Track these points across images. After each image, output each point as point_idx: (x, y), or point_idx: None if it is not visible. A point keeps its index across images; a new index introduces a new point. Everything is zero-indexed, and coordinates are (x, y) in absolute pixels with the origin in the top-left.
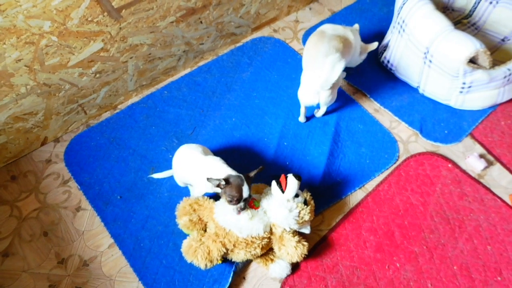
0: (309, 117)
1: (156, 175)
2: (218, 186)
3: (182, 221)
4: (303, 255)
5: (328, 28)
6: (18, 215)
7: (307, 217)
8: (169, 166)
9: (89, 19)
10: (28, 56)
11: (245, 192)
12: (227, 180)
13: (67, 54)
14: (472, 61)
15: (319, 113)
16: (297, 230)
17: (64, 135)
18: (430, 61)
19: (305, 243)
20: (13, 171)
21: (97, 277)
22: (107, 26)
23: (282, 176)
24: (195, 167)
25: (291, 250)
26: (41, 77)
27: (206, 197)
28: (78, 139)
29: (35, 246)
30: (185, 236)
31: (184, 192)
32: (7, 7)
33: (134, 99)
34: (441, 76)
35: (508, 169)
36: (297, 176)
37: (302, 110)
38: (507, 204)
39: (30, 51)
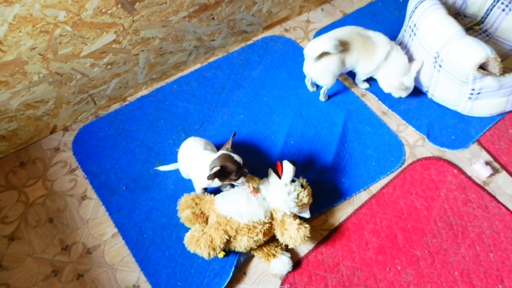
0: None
1: (162, 168)
2: (216, 176)
3: (184, 214)
4: (306, 238)
5: (359, 29)
6: (25, 200)
7: (305, 200)
8: (174, 159)
9: (103, 10)
10: (42, 45)
11: (238, 158)
12: (221, 166)
13: (80, 44)
14: (482, 67)
15: (320, 96)
16: (297, 214)
17: (73, 124)
18: (440, 65)
19: (307, 225)
20: (22, 157)
21: (100, 265)
22: (120, 18)
23: (278, 163)
24: (193, 161)
25: (293, 233)
26: (54, 66)
27: (207, 193)
28: (87, 129)
29: (40, 231)
30: (188, 229)
31: (189, 185)
32: None
33: (144, 92)
34: (450, 81)
35: None
36: (292, 162)
37: (306, 79)
38: None
39: (44, 40)
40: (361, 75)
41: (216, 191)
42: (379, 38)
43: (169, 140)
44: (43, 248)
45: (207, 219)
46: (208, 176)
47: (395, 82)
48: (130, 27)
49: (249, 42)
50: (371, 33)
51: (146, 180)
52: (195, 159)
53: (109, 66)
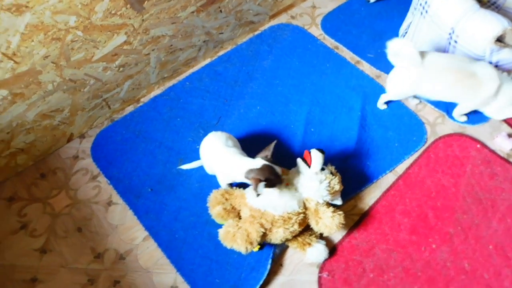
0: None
1: (185, 166)
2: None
3: (215, 211)
4: (340, 225)
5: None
6: (51, 212)
7: (337, 187)
8: (196, 157)
9: (113, 12)
10: (55, 52)
11: (279, 170)
12: (267, 179)
13: (92, 48)
14: (499, 39)
15: (378, 103)
16: (330, 201)
17: (89, 130)
18: (456, 41)
19: (341, 213)
20: (42, 169)
21: (135, 270)
22: (130, 18)
23: (306, 152)
24: (216, 157)
25: (328, 221)
26: (67, 73)
27: (234, 187)
28: (103, 134)
29: (71, 242)
30: (218, 225)
31: (214, 181)
32: (35, 3)
33: (156, 91)
34: None
35: None
36: (320, 150)
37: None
38: None
39: (56, 47)
40: (461, 109)
41: (241, 185)
42: (486, 73)
43: (188, 138)
44: (75, 258)
45: (238, 213)
46: (255, 190)
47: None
48: (140, 27)
49: (256, 33)
50: (477, 67)
51: (170, 180)
52: (218, 155)
53: (121, 69)
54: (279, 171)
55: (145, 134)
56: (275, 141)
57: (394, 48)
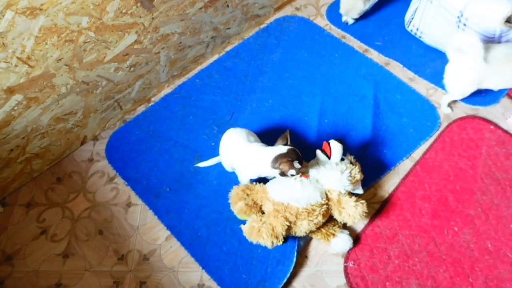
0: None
1: (202, 164)
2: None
3: (237, 207)
4: (364, 214)
5: None
6: (70, 216)
7: (358, 176)
8: (212, 154)
9: (123, 11)
10: (68, 55)
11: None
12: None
13: (104, 49)
14: (508, 20)
15: (442, 107)
16: (351, 191)
17: (102, 132)
18: (465, 24)
19: (363, 201)
20: (57, 173)
21: (160, 270)
22: (140, 17)
23: (325, 143)
24: (239, 154)
25: (351, 211)
26: (80, 75)
27: (254, 182)
28: (117, 135)
29: (93, 244)
30: (240, 221)
31: (233, 177)
32: (49, 6)
33: (167, 90)
34: None
35: None
36: (339, 140)
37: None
38: None
39: (69, 49)
40: None
41: (261, 180)
42: None
43: (203, 135)
44: (99, 260)
45: (260, 208)
46: (291, 170)
47: None
48: (150, 25)
49: (262, 26)
50: None
51: (188, 179)
52: (241, 151)
53: (132, 68)
54: (301, 156)
55: (159, 134)
56: (288, 130)
57: (458, 43)
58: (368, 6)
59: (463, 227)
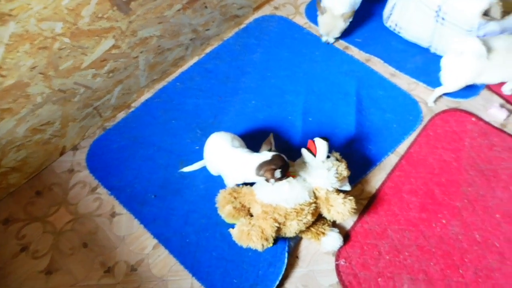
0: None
1: (187, 169)
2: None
3: (226, 210)
4: (352, 210)
5: None
6: (52, 230)
7: (345, 173)
8: (197, 158)
9: (99, 15)
10: (42, 62)
11: (285, 158)
12: (281, 167)
13: (80, 55)
14: (485, 13)
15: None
16: (339, 188)
17: (81, 141)
18: (443, 18)
19: (351, 198)
20: (36, 186)
21: (149, 280)
22: (117, 21)
23: (310, 141)
24: (224, 159)
25: (340, 208)
26: (56, 83)
27: (241, 185)
28: (97, 144)
29: (78, 258)
30: (229, 225)
31: (220, 181)
32: (19, 11)
33: (147, 95)
34: (454, 33)
35: None
36: (324, 138)
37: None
38: None
39: (44, 57)
40: None
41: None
42: None
43: (187, 139)
44: (85, 274)
45: (248, 211)
46: (271, 180)
47: None
48: (128, 29)
49: (242, 26)
50: None
51: (174, 184)
52: (225, 156)
53: (110, 74)
54: (286, 159)
55: (141, 140)
56: (271, 134)
57: (459, 48)
58: (348, 22)
59: (451, 219)
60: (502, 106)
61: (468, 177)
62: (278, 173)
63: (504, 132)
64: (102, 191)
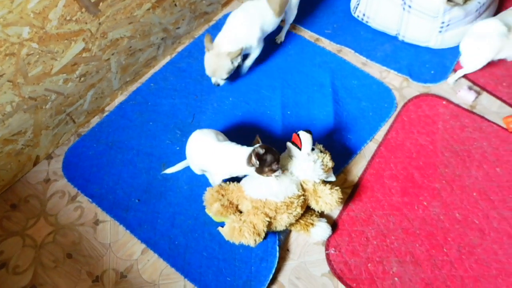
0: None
1: (170, 170)
2: (258, 155)
3: (213, 209)
4: (340, 200)
5: None
6: (32, 243)
7: (330, 163)
8: (178, 159)
9: (68, 18)
10: (10, 70)
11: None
12: (263, 154)
13: (50, 60)
14: None
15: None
16: (325, 179)
17: (56, 150)
18: (410, 6)
19: (338, 188)
20: (11, 199)
21: (140, 285)
22: (86, 23)
23: (294, 135)
24: (210, 155)
25: (328, 199)
26: (26, 90)
27: (227, 182)
28: (73, 151)
29: (63, 270)
30: (218, 224)
31: (204, 180)
32: None
33: (121, 98)
34: (421, 20)
35: (494, 95)
36: (308, 131)
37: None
38: (503, 127)
39: (11, 64)
40: None
41: (234, 180)
42: None
43: (166, 140)
44: (72, 286)
45: (237, 207)
46: (254, 161)
47: None
48: (98, 31)
49: (212, 23)
50: None
51: (157, 187)
52: (212, 152)
53: (82, 78)
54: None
55: (119, 144)
56: (257, 136)
57: (482, 31)
58: (236, 63)
59: (431, 201)
60: (470, 88)
61: (444, 159)
62: (269, 157)
63: (474, 113)
64: (83, 199)
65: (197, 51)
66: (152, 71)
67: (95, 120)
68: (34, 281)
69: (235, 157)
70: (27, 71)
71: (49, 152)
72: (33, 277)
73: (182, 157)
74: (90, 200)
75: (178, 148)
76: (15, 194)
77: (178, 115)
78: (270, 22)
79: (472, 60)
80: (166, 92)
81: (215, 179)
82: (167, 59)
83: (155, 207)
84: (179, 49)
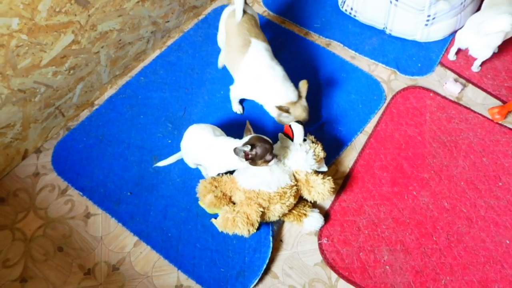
0: None
1: (162, 163)
2: (247, 155)
3: (207, 200)
4: (332, 190)
5: None
6: (22, 237)
7: (322, 154)
8: (170, 152)
9: (57, 9)
10: None
11: (268, 139)
12: (252, 144)
13: (39, 52)
14: None
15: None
16: (317, 169)
17: (45, 143)
18: (397, 0)
19: (329, 178)
20: (0, 193)
21: (133, 278)
22: (75, 15)
23: (286, 126)
24: (207, 149)
25: (320, 188)
26: (15, 83)
27: (220, 174)
28: (62, 145)
29: (53, 263)
30: (210, 216)
31: (196, 173)
32: None
33: (110, 91)
34: (407, 13)
35: (479, 87)
36: (300, 122)
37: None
38: (488, 118)
39: (0, 55)
40: None
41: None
42: None
43: (157, 134)
44: (63, 279)
45: (230, 199)
46: (239, 152)
47: None
48: (87, 23)
49: (201, 17)
50: None
51: (149, 180)
52: (210, 146)
53: (71, 71)
54: (268, 139)
55: (109, 138)
56: (247, 121)
57: (497, 29)
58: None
59: (420, 190)
60: (456, 80)
61: (432, 149)
62: (259, 150)
63: (460, 104)
64: (73, 192)
65: (187, 44)
66: (141, 65)
67: (84, 114)
68: (24, 274)
69: (228, 152)
70: (16, 63)
71: (38, 146)
72: (23, 270)
73: (174, 150)
74: (81, 193)
75: (169, 141)
76: (4, 188)
77: (169, 108)
78: None
79: (487, 50)
80: (156, 85)
81: (212, 172)
82: (157, 52)
83: (147, 200)
84: (169, 43)
